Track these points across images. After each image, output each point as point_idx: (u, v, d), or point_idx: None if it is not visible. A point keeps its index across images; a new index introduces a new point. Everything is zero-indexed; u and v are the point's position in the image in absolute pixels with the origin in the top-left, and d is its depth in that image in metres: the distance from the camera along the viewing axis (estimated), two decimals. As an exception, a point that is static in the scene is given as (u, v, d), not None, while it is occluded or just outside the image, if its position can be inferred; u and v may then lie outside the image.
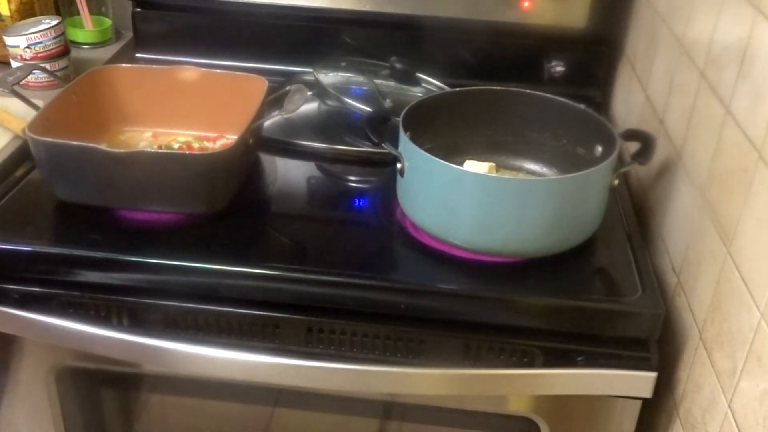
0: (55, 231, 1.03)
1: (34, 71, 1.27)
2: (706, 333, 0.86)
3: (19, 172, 1.10)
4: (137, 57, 1.45)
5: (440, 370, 0.94)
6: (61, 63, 1.36)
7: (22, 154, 1.12)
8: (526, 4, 1.34)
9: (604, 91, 1.40)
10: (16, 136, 1.15)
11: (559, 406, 0.96)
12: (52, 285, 0.97)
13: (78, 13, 1.50)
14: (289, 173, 1.17)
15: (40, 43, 1.33)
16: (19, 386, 1.05)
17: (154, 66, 1.25)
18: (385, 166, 1.11)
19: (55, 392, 1.04)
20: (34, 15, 1.42)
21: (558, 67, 1.39)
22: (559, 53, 1.39)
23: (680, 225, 0.98)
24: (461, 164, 1.00)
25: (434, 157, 0.92)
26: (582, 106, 1.07)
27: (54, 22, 1.35)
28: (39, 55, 1.33)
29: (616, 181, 0.97)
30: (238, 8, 1.40)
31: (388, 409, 1.06)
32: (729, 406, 0.79)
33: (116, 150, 0.97)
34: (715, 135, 0.89)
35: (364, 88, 1.27)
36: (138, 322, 0.96)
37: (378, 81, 1.29)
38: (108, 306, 0.97)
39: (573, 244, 0.97)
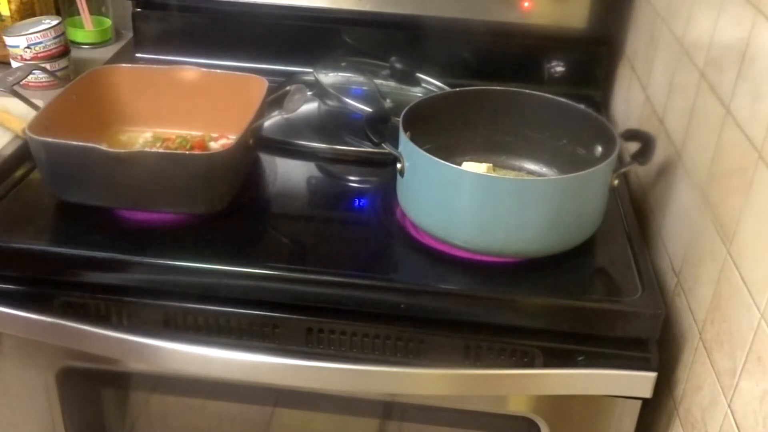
0: (55, 231, 1.03)
1: (34, 71, 1.27)
2: (706, 333, 0.86)
3: (19, 172, 1.10)
4: (137, 57, 1.45)
5: (440, 370, 0.94)
6: (61, 63, 1.36)
7: (22, 154, 1.12)
8: (526, 4, 1.34)
9: (604, 91, 1.40)
10: (16, 136, 1.15)
11: (559, 406, 0.96)
12: (52, 285, 0.97)
13: (78, 13, 1.50)
14: (289, 173, 1.17)
15: (40, 43, 1.33)
16: (19, 386, 1.05)
17: (154, 66, 1.25)
18: (385, 166, 1.11)
19: (55, 392, 1.04)
20: (34, 15, 1.42)
21: (558, 67, 1.39)
22: (559, 53, 1.39)
23: (680, 225, 0.98)
24: (460, 165, 1.00)
25: (434, 157, 0.92)
26: (582, 106, 1.07)
27: (54, 22, 1.35)
28: (39, 55, 1.33)
29: (616, 181, 0.97)
30: (238, 8, 1.40)
31: (388, 409, 1.06)
32: (729, 406, 0.79)
33: (116, 150, 0.97)
34: (715, 135, 0.89)
35: (364, 88, 1.27)
36: (138, 322, 0.96)
37: (378, 81, 1.29)
38: (108, 306, 0.97)
39: (573, 244, 0.97)
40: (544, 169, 1.11)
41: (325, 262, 0.96)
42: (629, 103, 1.29)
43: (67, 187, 1.01)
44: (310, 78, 1.28)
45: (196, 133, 1.16)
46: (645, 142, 1.00)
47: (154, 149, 1.10)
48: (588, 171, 0.93)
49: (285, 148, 1.20)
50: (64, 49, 1.37)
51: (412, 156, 0.96)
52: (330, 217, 1.09)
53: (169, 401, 1.13)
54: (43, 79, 1.34)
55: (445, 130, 1.08)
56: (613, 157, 0.95)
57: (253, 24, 1.41)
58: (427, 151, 0.94)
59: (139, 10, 1.44)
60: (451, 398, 0.98)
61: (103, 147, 0.98)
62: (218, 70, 1.17)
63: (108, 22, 1.53)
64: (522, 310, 0.92)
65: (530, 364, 0.93)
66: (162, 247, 0.96)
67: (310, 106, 1.27)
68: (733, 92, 0.85)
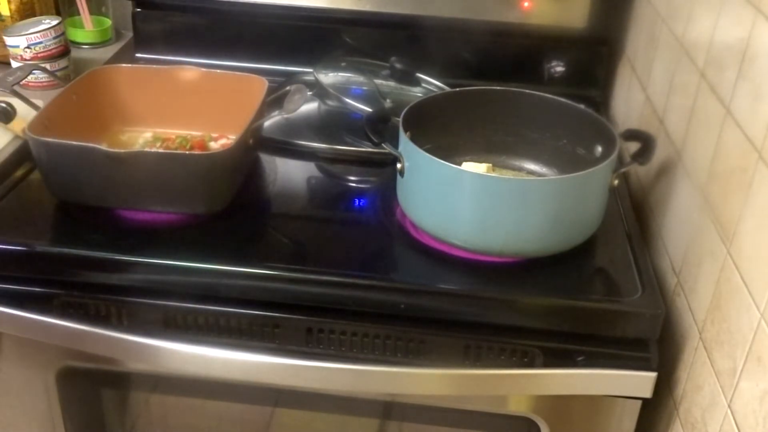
0: (55, 231, 1.03)
1: (34, 71, 1.27)
2: (706, 333, 0.86)
3: (19, 172, 1.10)
4: (137, 57, 1.45)
5: (440, 370, 0.94)
6: (61, 63, 1.36)
7: (22, 154, 1.12)
8: (526, 4, 1.34)
9: (604, 91, 1.40)
10: (16, 136, 1.15)
11: (559, 406, 0.96)
12: (52, 285, 0.97)
13: (78, 13, 1.50)
14: (289, 173, 1.17)
15: (40, 43, 1.33)
16: (19, 386, 1.05)
17: (154, 66, 1.25)
18: (385, 166, 1.11)
19: (55, 392, 1.04)
20: (34, 15, 1.42)
21: (558, 67, 1.39)
22: (559, 53, 1.39)
23: (680, 225, 0.98)
24: (460, 165, 1.00)
25: (434, 157, 0.92)
26: (582, 106, 1.07)
27: (54, 22, 1.35)
28: (39, 55, 1.33)
29: (616, 181, 0.97)
30: (238, 8, 1.40)
31: (388, 409, 1.06)
32: (729, 406, 0.79)
33: (116, 150, 0.97)
34: (715, 135, 0.89)
35: (364, 88, 1.27)
36: (138, 322, 0.96)
37: (378, 81, 1.29)
38: (108, 306, 0.97)
39: (573, 244, 0.97)
40: (544, 169, 1.11)
41: (325, 262, 0.96)
42: (629, 103, 1.29)
43: (67, 187, 1.01)
44: (310, 78, 1.28)
45: (196, 133, 1.16)
46: (645, 142, 1.00)
47: (154, 149, 1.10)
48: (588, 171, 0.93)
49: (285, 148, 1.20)
50: (64, 49, 1.37)
51: (412, 156, 0.96)
52: (330, 217, 1.09)
53: (169, 401, 1.13)
54: (43, 79, 1.34)
55: (445, 130, 1.08)
56: (613, 157, 0.95)
57: (253, 24, 1.41)
58: (427, 151, 0.94)
59: (139, 10, 1.44)
60: (451, 398, 0.98)
61: (103, 147, 0.98)
62: (218, 70, 1.17)
63: (108, 22, 1.53)
64: (522, 310, 0.92)
65: (530, 364, 0.93)
66: (162, 247, 0.96)
67: (310, 106, 1.27)
68: (733, 92, 0.85)
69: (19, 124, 1.15)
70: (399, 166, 0.98)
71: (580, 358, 0.92)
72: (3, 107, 1.09)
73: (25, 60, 1.33)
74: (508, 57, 1.39)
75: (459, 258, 0.96)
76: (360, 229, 1.06)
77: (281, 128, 1.20)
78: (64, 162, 0.98)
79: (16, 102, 1.08)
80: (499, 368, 0.93)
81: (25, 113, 1.11)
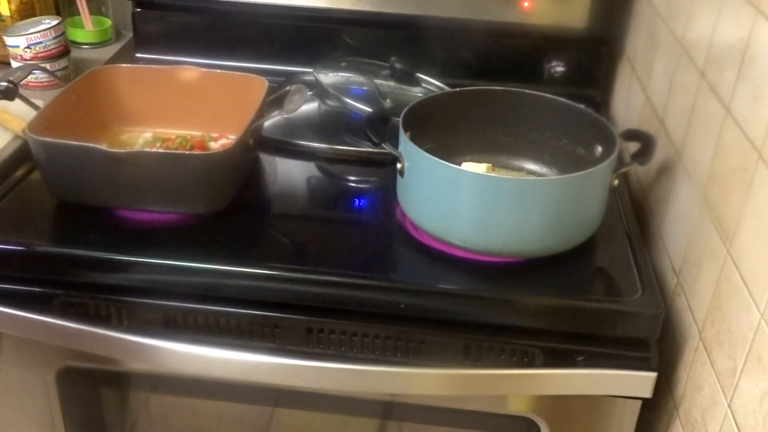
0: (55, 231, 1.03)
1: (34, 71, 1.27)
2: (706, 333, 0.86)
3: (19, 172, 1.10)
4: (137, 57, 1.45)
5: (440, 370, 0.94)
6: (61, 63, 1.36)
7: (22, 154, 1.12)
8: (526, 4, 1.34)
9: (604, 91, 1.40)
10: (16, 136, 1.15)
11: (559, 406, 0.96)
12: (52, 285, 0.97)
13: (78, 13, 1.50)
14: (289, 173, 1.17)
15: (40, 43, 1.33)
16: (19, 386, 1.05)
17: (154, 66, 1.25)
18: (385, 166, 1.11)
19: (55, 392, 1.04)
20: (34, 15, 1.42)
21: (558, 67, 1.39)
22: (559, 53, 1.39)
23: (680, 225, 0.98)
24: (460, 165, 1.00)
25: (434, 157, 0.92)
26: (582, 106, 1.07)
27: (54, 22, 1.35)
28: (39, 55, 1.33)
29: (616, 181, 0.97)
30: (238, 8, 1.40)
31: (388, 409, 1.06)
32: (729, 406, 0.79)
33: (116, 150, 0.97)
34: (715, 135, 0.89)
35: (364, 88, 1.27)
36: (138, 322, 0.96)
37: (378, 81, 1.29)
38: (108, 306, 0.97)
39: (573, 244, 0.97)
40: (544, 169, 1.11)
41: (325, 262, 0.96)
42: (629, 103, 1.29)
43: (67, 187, 1.01)
44: (310, 78, 1.28)
45: (196, 133, 1.16)
46: (645, 142, 1.00)
47: (154, 149, 1.10)
48: (588, 171, 0.93)
49: (285, 148, 1.20)
50: (64, 49, 1.37)
51: (412, 156, 0.96)
52: (330, 217, 1.09)
53: (169, 401, 1.13)
54: (43, 79, 1.34)
55: (445, 130, 1.08)
56: (613, 157, 0.95)
57: (253, 24, 1.41)
58: (427, 151, 0.94)
59: (139, 10, 1.44)
60: (451, 398, 0.98)
61: (103, 147, 0.98)
62: (218, 70, 1.17)
63: (108, 22, 1.53)
64: (522, 310, 0.92)
65: (530, 364, 0.93)
66: (162, 247, 0.96)
67: (310, 106, 1.27)
68: (733, 92, 0.85)
69: (19, 124, 1.15)
70: (399, 166, 0.98)
71: (580, 358, 0.92)
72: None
73: (25, 60, 1.33)
74: (508, 57, 1.39)
75: (459, 258, 0.96)
76: (360, 229, 1.06)
77: (281, 128, 1.20)
78: (64, 162, 0.98)
79: (16, 102, 1.08)
80: (499, 368, 0.93)
81: (25, 113, 1.11)
